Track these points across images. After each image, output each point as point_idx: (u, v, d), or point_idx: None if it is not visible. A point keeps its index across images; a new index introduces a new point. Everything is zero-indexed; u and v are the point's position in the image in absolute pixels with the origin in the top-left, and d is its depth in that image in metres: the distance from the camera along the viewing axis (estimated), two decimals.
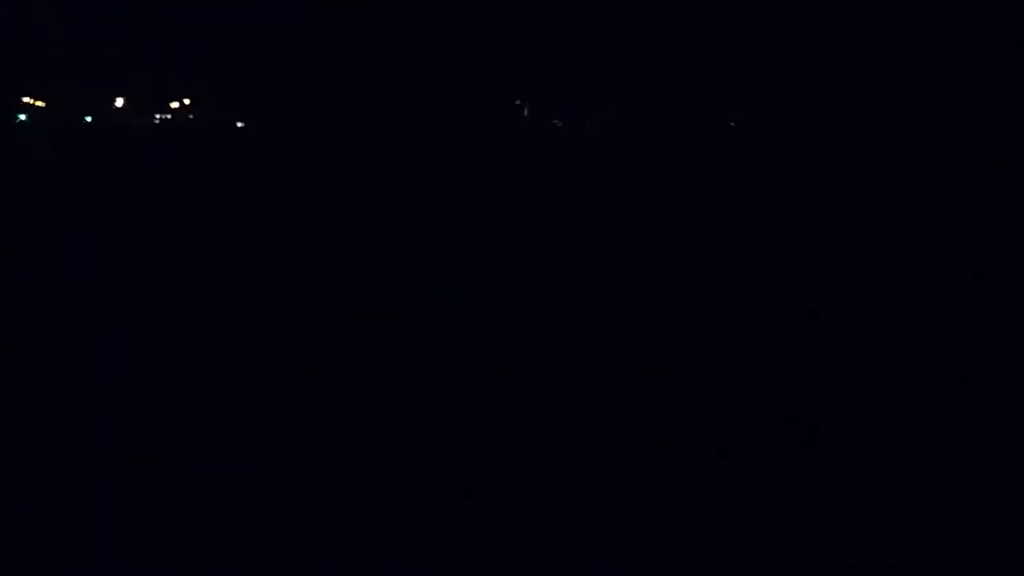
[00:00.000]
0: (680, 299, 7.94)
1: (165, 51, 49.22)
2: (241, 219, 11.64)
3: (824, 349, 6.59)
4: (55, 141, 36.63)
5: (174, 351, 5.55)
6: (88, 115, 54.83)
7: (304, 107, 44.05)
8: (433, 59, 41.38)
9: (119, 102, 52.76)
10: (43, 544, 3.53)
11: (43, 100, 51.94)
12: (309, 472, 4.07)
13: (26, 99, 55.05)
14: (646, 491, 4.01)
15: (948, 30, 32.82)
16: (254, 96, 46.71)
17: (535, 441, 4.52)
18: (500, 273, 9.10)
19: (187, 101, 52.67)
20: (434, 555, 3.46)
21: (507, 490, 3.94)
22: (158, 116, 53.74)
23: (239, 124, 48.69)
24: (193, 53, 48.12)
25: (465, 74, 42.55)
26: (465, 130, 38.43)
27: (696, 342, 6.41)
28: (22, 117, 56.11)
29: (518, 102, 43.48)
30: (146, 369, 5.24)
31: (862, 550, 3.55)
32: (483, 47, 41.76)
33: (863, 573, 3.43)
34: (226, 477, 4.01)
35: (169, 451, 4.32)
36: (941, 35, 32.98)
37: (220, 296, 6.58)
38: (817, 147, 31.59)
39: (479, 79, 42.30)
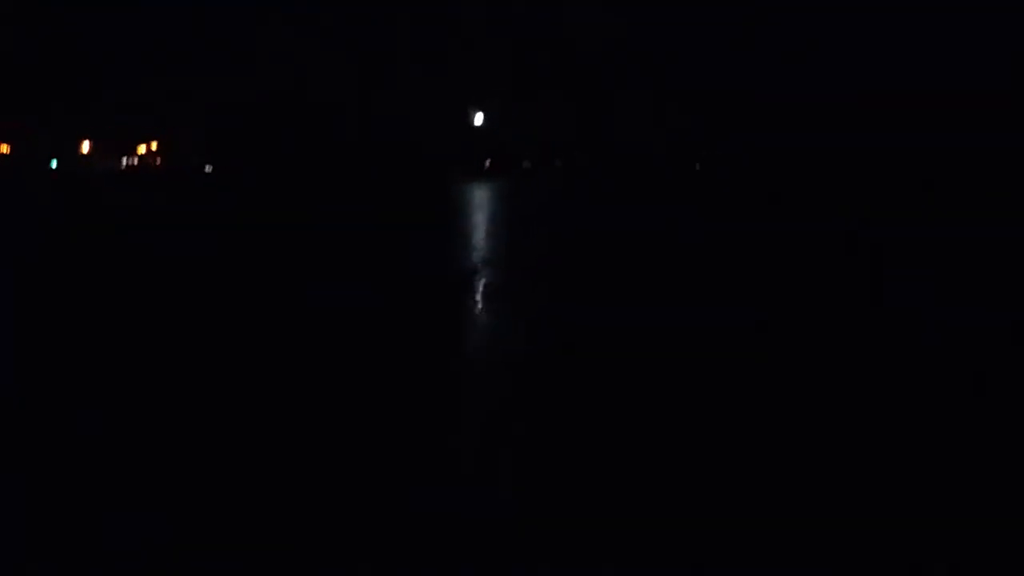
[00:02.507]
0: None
1: (133, 95, 48.87)
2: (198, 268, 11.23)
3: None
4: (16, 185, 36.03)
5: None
6: (54, 159, 54.17)
7: (274, 152, 43.79)
8: (412, 109, 41.42)
9: (85, 147, 52.16)
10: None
11: (7, 144, 51.26)
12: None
13: None
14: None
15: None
16: (223, 141, 46.41)
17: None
18: None
19: (154, 146, 52.21)
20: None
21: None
22: (125, 160, 53.22)
23: (207, 169, 48.29)
24: (162, 96, 47.80)
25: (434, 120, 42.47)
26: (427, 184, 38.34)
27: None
28: None
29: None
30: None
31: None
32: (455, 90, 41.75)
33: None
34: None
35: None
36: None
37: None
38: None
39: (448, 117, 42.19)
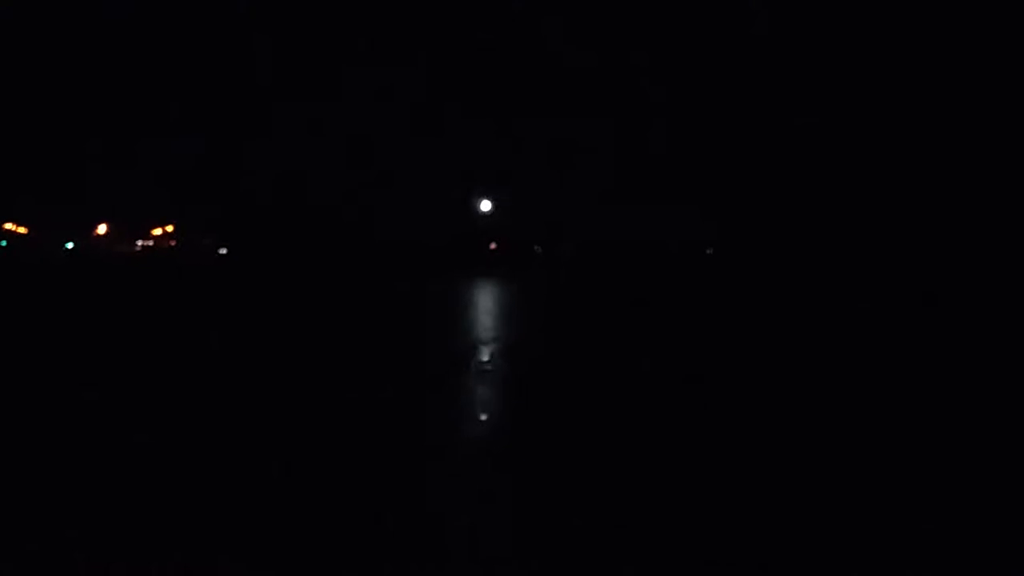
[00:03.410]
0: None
1: (148, 178, 49.46)
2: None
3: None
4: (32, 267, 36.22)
5: None
6: (70, 241, 54.67)
7: (285, 235, 44.10)
8: (407, 188, 41.76)
9: (101, 228, 52.71)
10: None
11: (24, 226, 51.80)
12: None
13: (8, 225, 54.92)
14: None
15: None
16: (237, 223, 46.79)
17: None
18: None
19: (169, 228, 52.73)
20: None
21: None
22: (140, 243, 53.71)
23: (222, 251, 48.62)
24: (176, 180, 48.33)
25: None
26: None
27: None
28: (2, 243, 55.89)
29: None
30: None
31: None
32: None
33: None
34: None
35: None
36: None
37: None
38: None
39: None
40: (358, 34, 43.13)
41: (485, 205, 42.78)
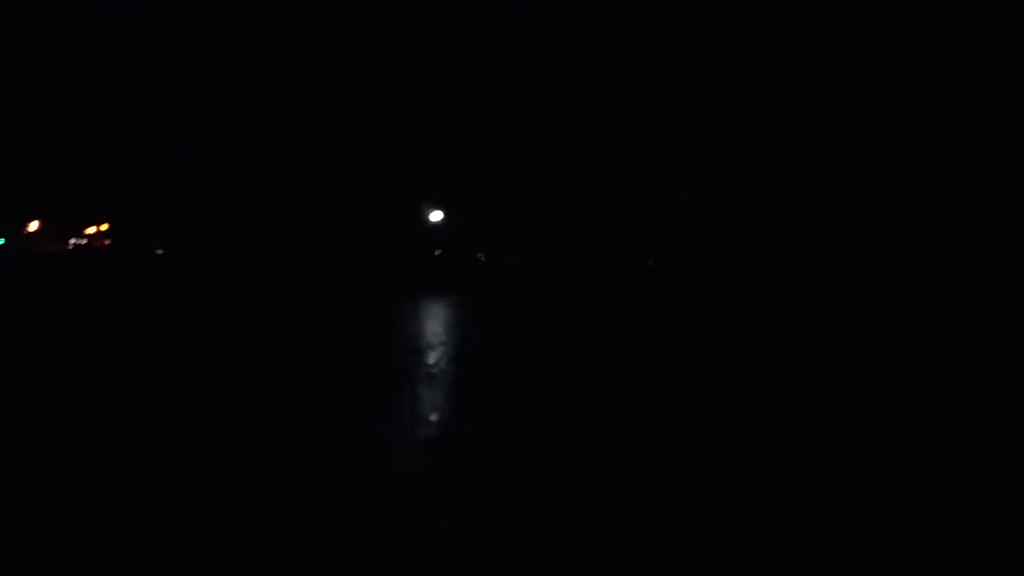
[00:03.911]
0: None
1: (81, 174, 48.85)
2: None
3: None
4: None
5: None
6: (0, 237, 53.65)
7: (225, 234, 43.88)
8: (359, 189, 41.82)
9: (33, 226, 51.89)
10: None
11: None
12: None
13: None
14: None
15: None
16: (173, 223, 46.45)
17: None
18: None
19: (104, 227, 52.09)
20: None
21: None
22: (72, 241, 52.94)
23: (158, 252, 48.16)
24: (111, 176, 47.82)
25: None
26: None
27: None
28: None
29: None
30: None
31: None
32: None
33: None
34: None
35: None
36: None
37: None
38: None
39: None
40: (298, 35, 43.04)
41: (436, 215, 42.65)
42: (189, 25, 43.37)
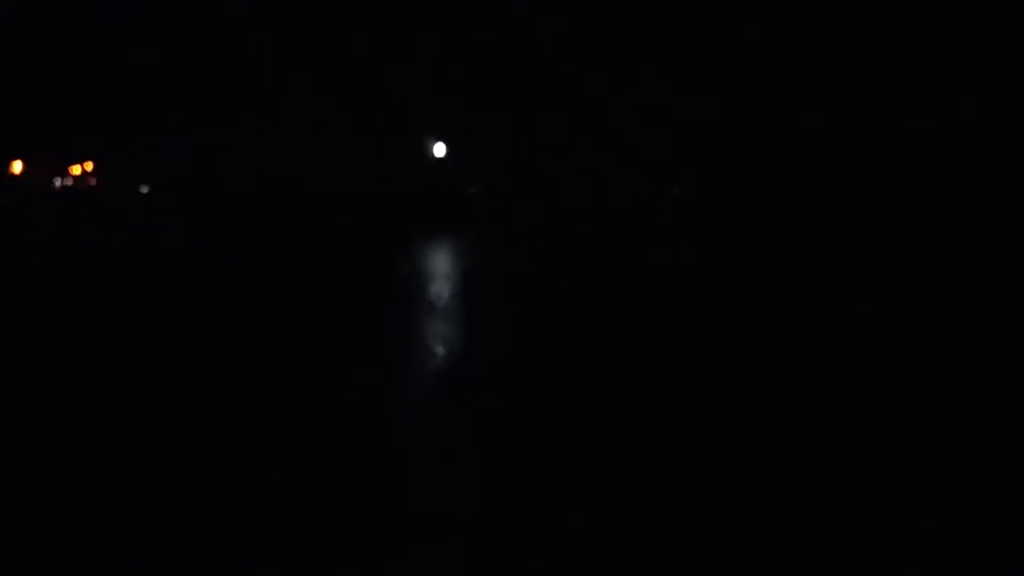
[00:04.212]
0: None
1: (67, 113, 48.49)
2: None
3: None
4: None
5: None
6: None
7: (210, 173, 43.87)
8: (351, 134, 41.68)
9: (17, 166, 51.63)
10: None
11: None
12: None
13: None
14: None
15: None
16: (160, 161, 46.36)
17: None
18: None
19: (89, 166, 51.89)
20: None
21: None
22: (59, 181, 52.77)
23: (143, 189, 48.17)
24: (97, 115, 47.51)
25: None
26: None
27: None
28: None
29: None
30: None
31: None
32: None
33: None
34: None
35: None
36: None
37: None
38: None
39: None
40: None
41: (439, 150, 41.56)
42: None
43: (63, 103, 47.46)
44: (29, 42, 46.44)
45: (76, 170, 52.72)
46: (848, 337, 8.85)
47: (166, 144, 45.66)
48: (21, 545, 3.82)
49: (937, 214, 27.92)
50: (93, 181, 52.04)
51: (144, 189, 48.64)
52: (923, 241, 21.08)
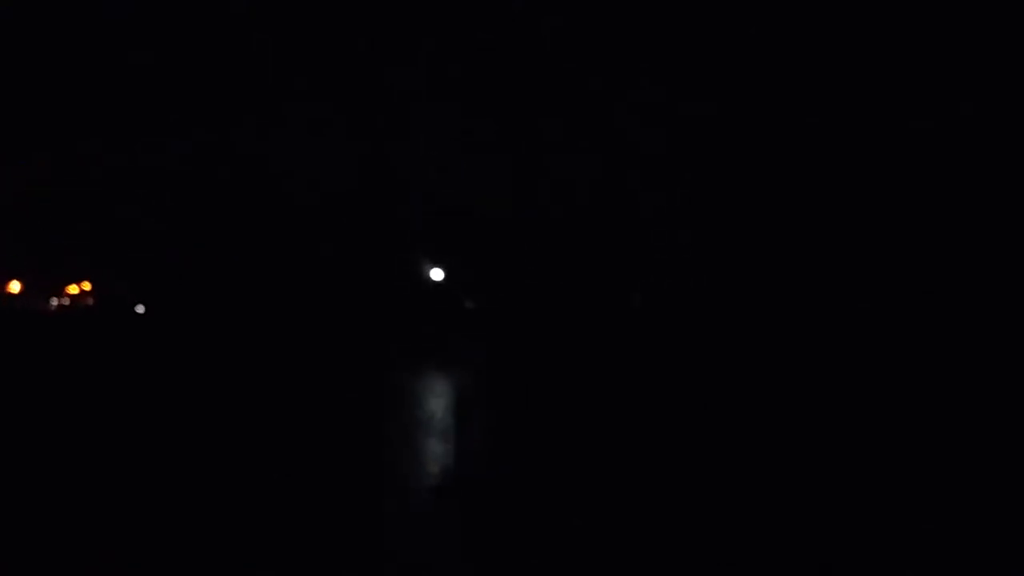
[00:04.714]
0: None
1: (64, 234, 48.97)
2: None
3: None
4: None
5: None
6: None
7: (208, 291, 44.13)
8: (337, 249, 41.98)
9: (15, 287, 51.94)
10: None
11: None
12: None
13: None
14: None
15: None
16: (156, 281, 46.66)
17: None
18: None
19: (87, 286, 52.19)
20: None
21: None
22: (55, 301, 53.00)
23: (139, 309, 48.34)
24: (95, 236, 47.97)
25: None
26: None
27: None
28: None
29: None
30: None
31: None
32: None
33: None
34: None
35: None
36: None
37: None
38: None
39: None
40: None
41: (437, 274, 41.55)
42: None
43: (61, 222, 47.98)
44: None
45: (73, 289, 53.04)
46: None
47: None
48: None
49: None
50: (90, 301, 52.29)
51: (140, 309, 48.84)
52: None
